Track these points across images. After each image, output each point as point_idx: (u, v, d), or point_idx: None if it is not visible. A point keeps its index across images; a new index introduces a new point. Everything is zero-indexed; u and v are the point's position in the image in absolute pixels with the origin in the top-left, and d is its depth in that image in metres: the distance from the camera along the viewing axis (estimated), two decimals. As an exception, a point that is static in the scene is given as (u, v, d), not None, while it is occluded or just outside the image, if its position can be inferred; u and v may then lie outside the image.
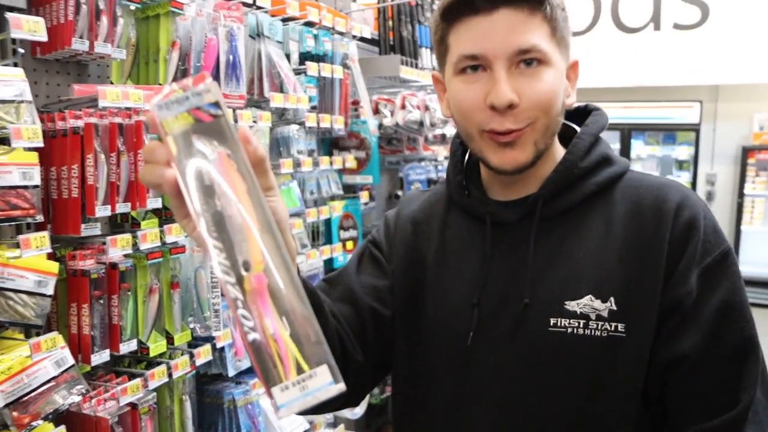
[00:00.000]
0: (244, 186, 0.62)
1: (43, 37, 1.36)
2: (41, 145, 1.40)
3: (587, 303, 0.89)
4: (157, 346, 1.79)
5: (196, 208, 0.62)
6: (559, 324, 0.89)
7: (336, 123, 2.52)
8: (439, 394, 1.00)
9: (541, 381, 0.91)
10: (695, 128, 6.92)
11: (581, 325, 0.88)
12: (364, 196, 2.82)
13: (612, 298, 0.88)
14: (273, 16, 2.30)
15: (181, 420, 1.94)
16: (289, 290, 0.61)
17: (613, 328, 0.88)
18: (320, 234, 2.64)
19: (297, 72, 2.36)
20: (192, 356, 1.87)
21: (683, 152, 7.11)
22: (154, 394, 1.78)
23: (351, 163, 2.68)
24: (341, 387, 0.61)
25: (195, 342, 1.95)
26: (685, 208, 0.90)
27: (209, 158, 0.62)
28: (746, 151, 6.74)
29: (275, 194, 0.70)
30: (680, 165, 7.21)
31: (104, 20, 1.62)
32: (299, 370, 0.60)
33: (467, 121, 0.93)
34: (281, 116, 2.41)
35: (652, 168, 7.27)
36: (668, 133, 7.22)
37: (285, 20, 2.35)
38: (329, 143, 2.81)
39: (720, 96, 7.12)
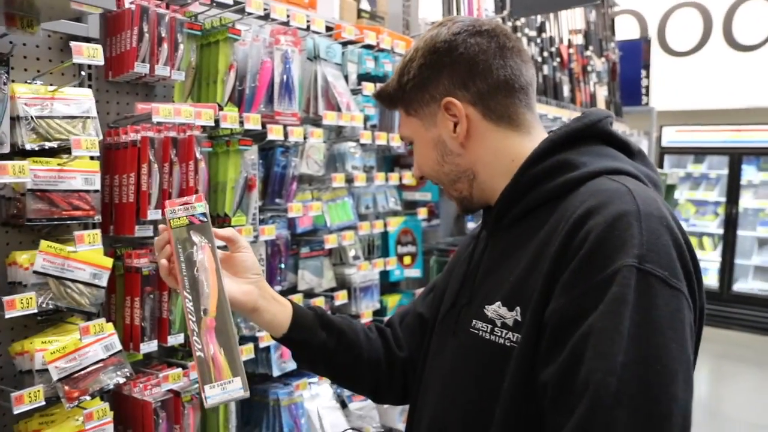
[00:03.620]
0: (214, 265, 0.99)
1: (100, 61, 1.57)
2: (97, 153, 1.60)
3: (496, 309, 0.91)
4: (203, 342, 1.95)
5: (181, 271, 0.99)
6: (476, 326, 0.95)
7: (393, 140, 2.62)
8: (415, 384, 1.14)
9: (456, 375, 0.98)
10: (817, 152, 6.35)
11: (489, 330, 0.92)
12: (422, 212, 2.89)
13: (518, 308, 0.88)
14: (336, 39, 2.45)
15: (225, 414, 2.08)
16: (227, 332, 0.96)
17: (515, 339, 0.87)
18: (376, 247, 2.73)
19: (355, 92, 2.49)
20: (234, 353, 2.01)
21: (803, 179, 6.53)
22: (197, 384, 1.93)
23: (408, 179, 2.76)
24: (246, 394, 0.95)
25: (241, 341, 2.09)
26: (591, 216, 0.81)
27: (198, 244, 0.99)
28: None
29: (248, 250, 1.08)
30: (800, 193, 6.62)
31: (165, 46, 1.83)
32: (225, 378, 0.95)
33: None
34: (339, 134, 2.55)
35: (767, 196, 6.72)
36: (786, 158, 6.66)
37: (345, 43, 2.50)
38: (391, 160, 2.91)
39: None
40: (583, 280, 0.78)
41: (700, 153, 7.11)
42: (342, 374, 1.20)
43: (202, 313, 0.96)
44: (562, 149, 0.94)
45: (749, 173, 6.79)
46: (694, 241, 7.18)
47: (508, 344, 0.87)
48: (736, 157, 6.72)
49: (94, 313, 1.67)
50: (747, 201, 6.81)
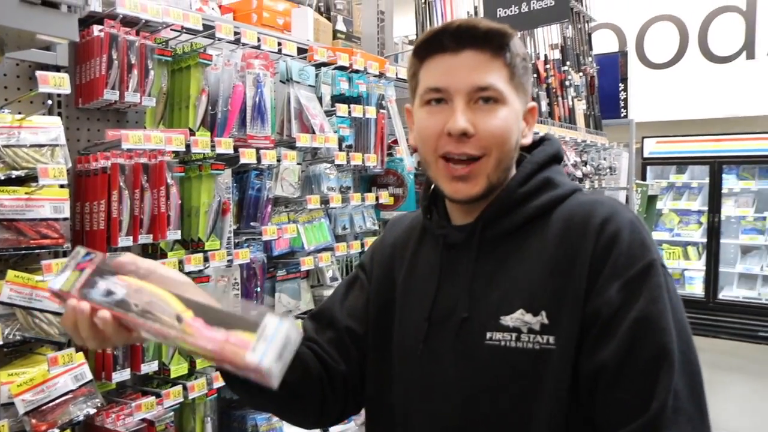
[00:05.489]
0: (140, 282, 0.83)
1: (66, 90, 1.57)
2: (66, 182, 1.60)
3: (519, 317, 0.95)
4: (178, 369, 1.94)
5: (124, 314, 0.81)
6: (494, 337, 0.96)
7: (369, 161, 2.63)
8: (396, 404, 1.08)
9: (478, 389, 0.97)
10: (795, 161, 6.43)
11: (513, 338, 0.94)
12: (400, 231, 2.88)
13: (543, 312, 0.93)
14: (309, 61, 2.47)
15: (203, 440, 2.06)
16: (218, 312, 0.80)
17: (545, 341, 0.93)
18: (354, 268, 2.73)
19: (329, 113, 2.50)
20: (210, 379, 2.00)
21: (783, 187, 6.60)
22: (172, 413, 1.91)
23: (385, 199, 2.77)
24: (290, 321, 0.78)
25: (214, 370, 2.07)
26: (610, 223, 0.94)
27: (108, 284, 0.83)
28: None
29: (158, 267, 0.91)
30: (780, 200, 6.69)
31: (135, 73, 1.84)
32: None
33: (426, 147, 1.02)
34: (315, 156, 2.55)
35: (748, 204, 6.79)
36: (765, 166, 6.73)
37: (319, 65, 2.51)
38: (368, 180, 2.92)
39: (825, 126, 6.60)
40: (621, 274, 0.91)
41: (681, 163, 7.18)
42: (292, 391, 1.06)
43: (177, 323, 0.79)
44: (541, 169, 1.04)
45: (730, 182, 6.86)
46: (679, 250, 7.23)
47: (538, 347, 0.93)
48: (717, 167, 6.79)
49: (63, 342, 1.66)
50: (729, 209, 6.87)
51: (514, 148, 1.01)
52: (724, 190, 6.81)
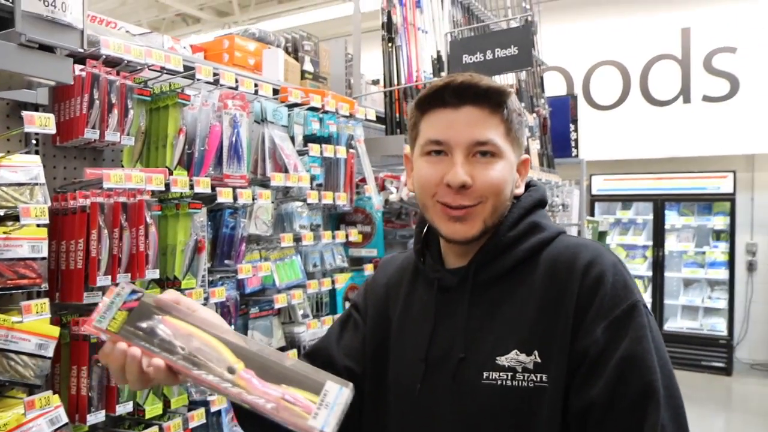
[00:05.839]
0: (189, 326, 0.84)
1: (52, 130, 1.58)
2: (47, 222, 1.59)
3: (513, 357, 1.00)
4: (152, 409, 1.91)
5: (176, 362, 0.82)
6: (491, 377, 1.01)
7: (339, 199, 2.68)
8: None
9: (474, 426, 1.01)
10: (730, 198, 6.83)
11: (509, 377, 1.00)
12: (368, 268, 2.94)
13: (536, 352, 0.99)
14: (282, 102, 2.52)
15: (175, 483, 2.02)
16: (272, 365, 0.82)
17: (538, 379, 0.98)
18: (324, 305, 2.75)
19: (301, 153, 2.55)
20: (186, 419, 1.97)
21: (719, 222, 6.98)
22: None
23: (354, 237, 2.82)
24: (350, 388, 0.82)
25: (192, 406, 2.05)
26: (595, 265, 1.00)
27: (154, 324, 0.84)
28: (786, 222, 6.57)
29: (200, 309, 0.94)
30: (717, 235, 7.06)
31: (115, 112, 1.85)
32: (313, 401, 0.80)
33: (425, 193, 1.09)
34: (286, 194, 2.59)
35: (688, 239, 7.14)
36: (703, 203, 7.12)
37: (291, 106, 2.57)
38: (336, 218, 2.97)
39: (756, 166, 7.04)
40: (607, 315, 0.96)
41: (627, 200, 7.52)
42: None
43: (228, 374, 0.80)
44: (528, 214, 1.11)
45: (672, 218, 7.21)
46: (625, 284, 7.49)
47: (532, 385, 0.98)
48: (660, 203, 7.14)
49: (38, 385, 1.62)
50: (671, 244, 7.21)
51: (509, 197, 1.08)
52: (667, 226, 7.15)
